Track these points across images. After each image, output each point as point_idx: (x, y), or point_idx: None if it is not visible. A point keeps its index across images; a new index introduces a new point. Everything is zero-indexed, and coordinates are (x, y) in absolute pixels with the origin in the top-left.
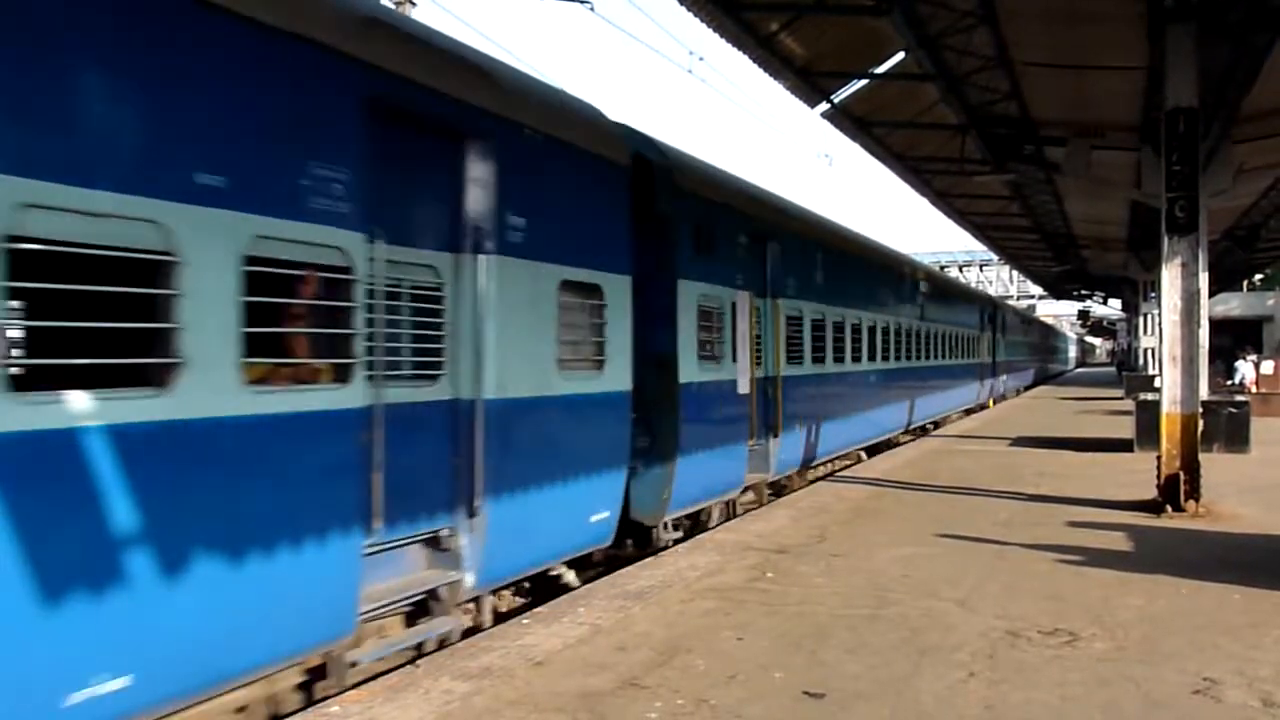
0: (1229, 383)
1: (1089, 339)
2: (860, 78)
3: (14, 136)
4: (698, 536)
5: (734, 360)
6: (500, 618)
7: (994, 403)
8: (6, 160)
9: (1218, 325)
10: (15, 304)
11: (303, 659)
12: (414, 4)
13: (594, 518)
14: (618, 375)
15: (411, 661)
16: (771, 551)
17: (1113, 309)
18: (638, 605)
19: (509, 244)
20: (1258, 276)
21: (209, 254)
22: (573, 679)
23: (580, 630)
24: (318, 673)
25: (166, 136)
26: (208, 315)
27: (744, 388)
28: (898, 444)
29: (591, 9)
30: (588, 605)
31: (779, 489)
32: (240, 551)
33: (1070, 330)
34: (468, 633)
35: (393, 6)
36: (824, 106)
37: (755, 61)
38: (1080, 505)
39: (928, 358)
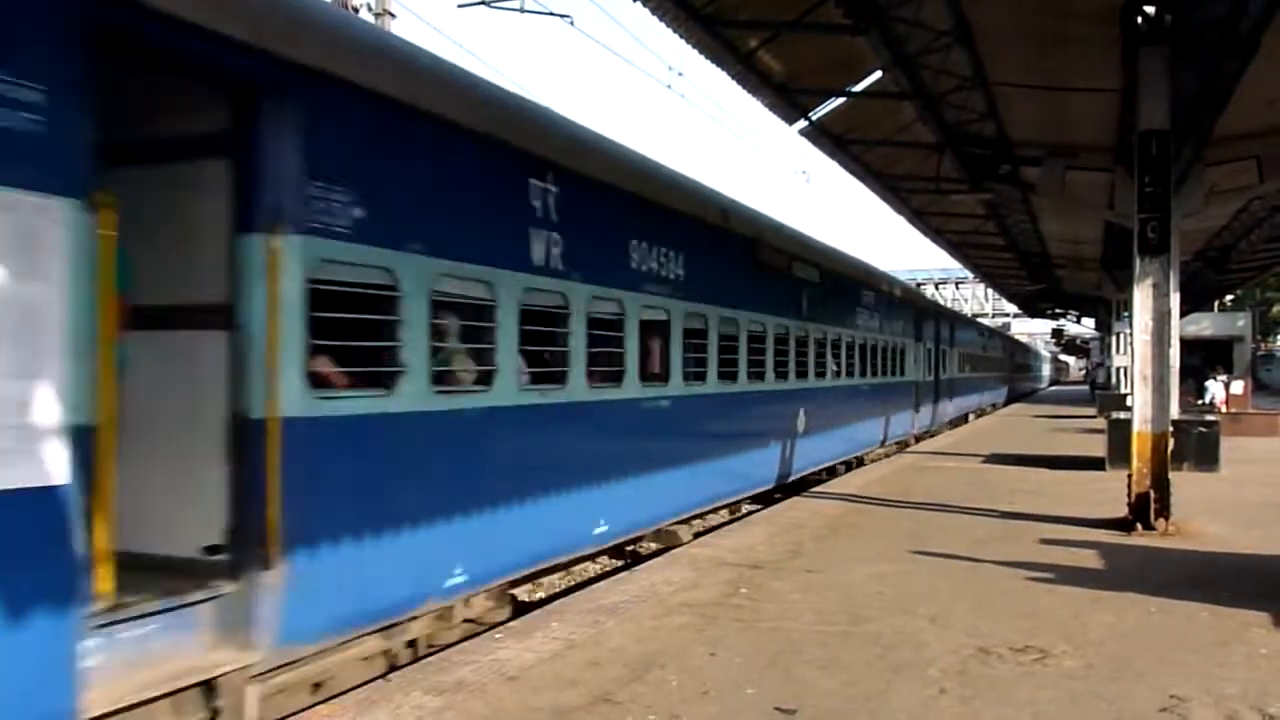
0: (1200, 402)
1: (1063, 357)
2: (838, 95)
3: None
4: (672, 551)
5: None
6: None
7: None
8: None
9: (1189, 345)
10: None
11: None
12: (393, 16)
13: None
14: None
15: (383, 675)
16: (746, 567)
17: (1087, 328)
18: (611, 620)
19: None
20: (1229, 297)
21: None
22: (545, 694)
23: (553, 645)
24: None
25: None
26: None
27: None
28: None
29: (571, 23)
30: (561, 620)
31: None
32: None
33: (1044, 348)
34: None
35: (372, 19)
36: (802, 123)
37: (734, 78)
38: (1052, 523)
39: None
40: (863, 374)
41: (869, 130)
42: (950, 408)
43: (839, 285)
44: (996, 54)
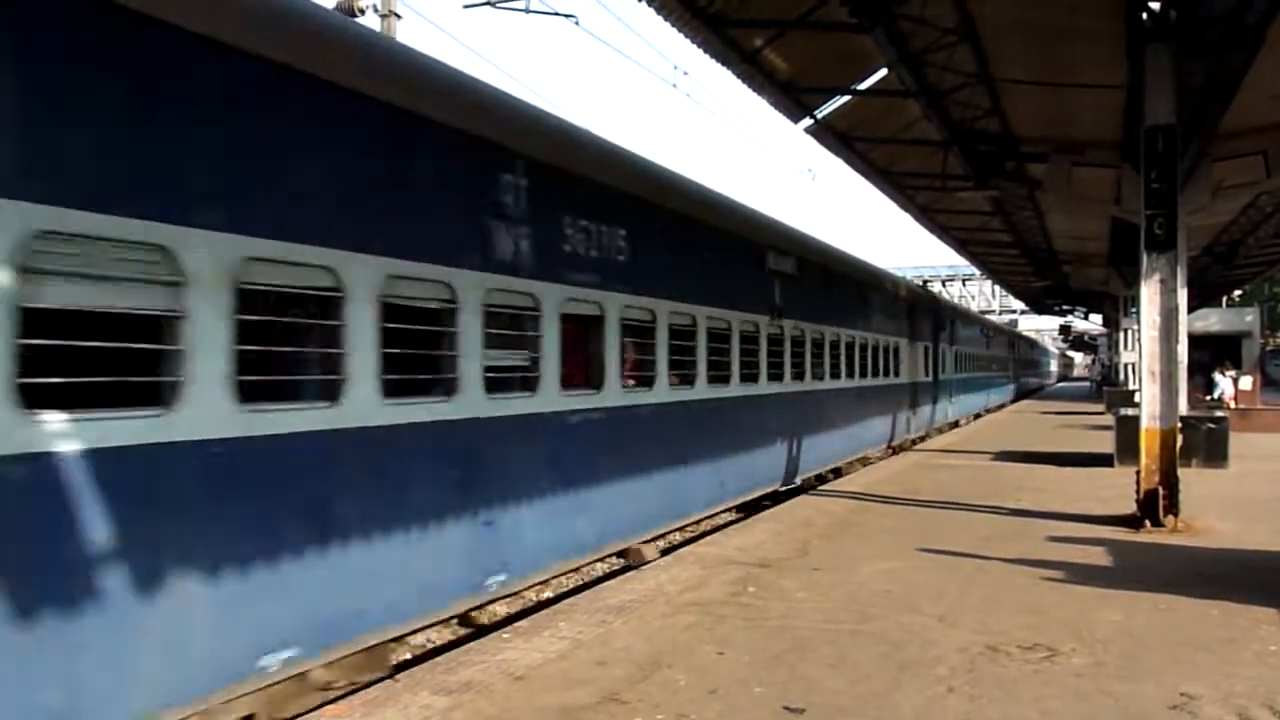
0: (1208, 398)
1: (1070, 353)
2: (843, 93)
3: None
4: (678, 551)
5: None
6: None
7: None
8: None
9: (1197, 341)
10: None
11: None
12: (399, 17)
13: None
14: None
15: (391, 675)
16: (753, 565)
17: (1094, 324)
18: (618, 619)
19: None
20: (1237, 292)
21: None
22: (552, 694)
23: (560, 644)
24: None
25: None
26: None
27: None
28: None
29: (577, 23)
30: (568, 619)
31: None
32: None
33: (1052, 344)
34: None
35: (379, 20)
36: (807, 122)
37: (739, 77)
38: (1060, 520)
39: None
40: (999, 371)
41: (874, 128)
42: (1016, 389)
43: (994, 333)
44: (1001, 50)
